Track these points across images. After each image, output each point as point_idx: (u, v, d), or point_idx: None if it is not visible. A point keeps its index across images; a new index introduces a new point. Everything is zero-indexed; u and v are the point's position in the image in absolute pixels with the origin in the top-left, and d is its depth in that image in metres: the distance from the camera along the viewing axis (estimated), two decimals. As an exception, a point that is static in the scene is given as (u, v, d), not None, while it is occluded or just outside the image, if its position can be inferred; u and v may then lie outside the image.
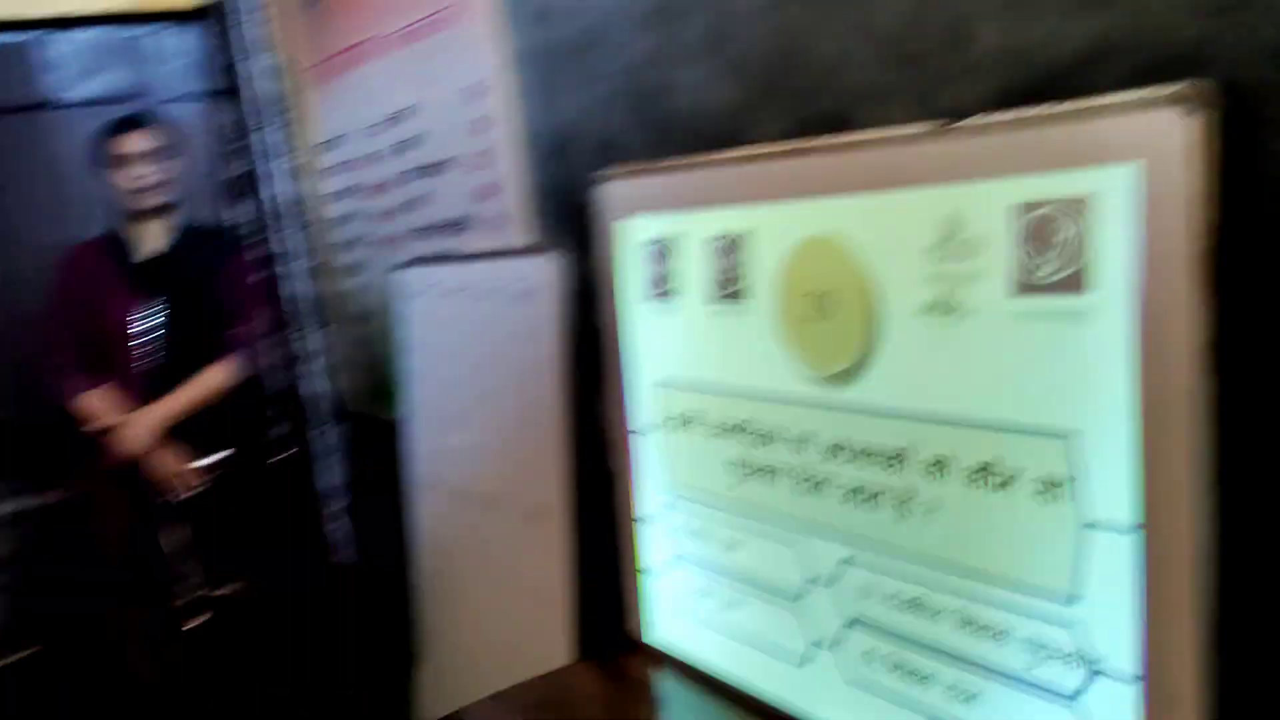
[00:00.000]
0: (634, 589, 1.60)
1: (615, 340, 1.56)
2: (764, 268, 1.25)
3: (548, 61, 1.67)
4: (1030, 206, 0.93)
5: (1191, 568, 0.85)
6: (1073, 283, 0.90)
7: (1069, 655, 0.95)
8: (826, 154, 1.15)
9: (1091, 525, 0.92)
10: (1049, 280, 0.92)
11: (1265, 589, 0.85)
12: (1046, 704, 0.98)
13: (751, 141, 1.29)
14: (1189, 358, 0.82)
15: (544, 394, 1.76)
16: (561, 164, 1.70)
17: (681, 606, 1.50)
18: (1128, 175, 0.86)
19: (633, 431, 1.55)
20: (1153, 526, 0.87)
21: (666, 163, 1.41)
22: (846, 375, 1.15)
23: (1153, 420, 0.86)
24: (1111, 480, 0.89)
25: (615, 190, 1.51)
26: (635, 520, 1.58)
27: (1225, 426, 0.82)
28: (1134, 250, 0.85)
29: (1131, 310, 0.86)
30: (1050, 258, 0.92)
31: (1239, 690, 0.85)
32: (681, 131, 1.42)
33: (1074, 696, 0.95)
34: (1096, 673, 0.93)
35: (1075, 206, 0.90)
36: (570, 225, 1.71)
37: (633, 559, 1.60)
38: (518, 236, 1.86)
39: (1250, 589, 0.85)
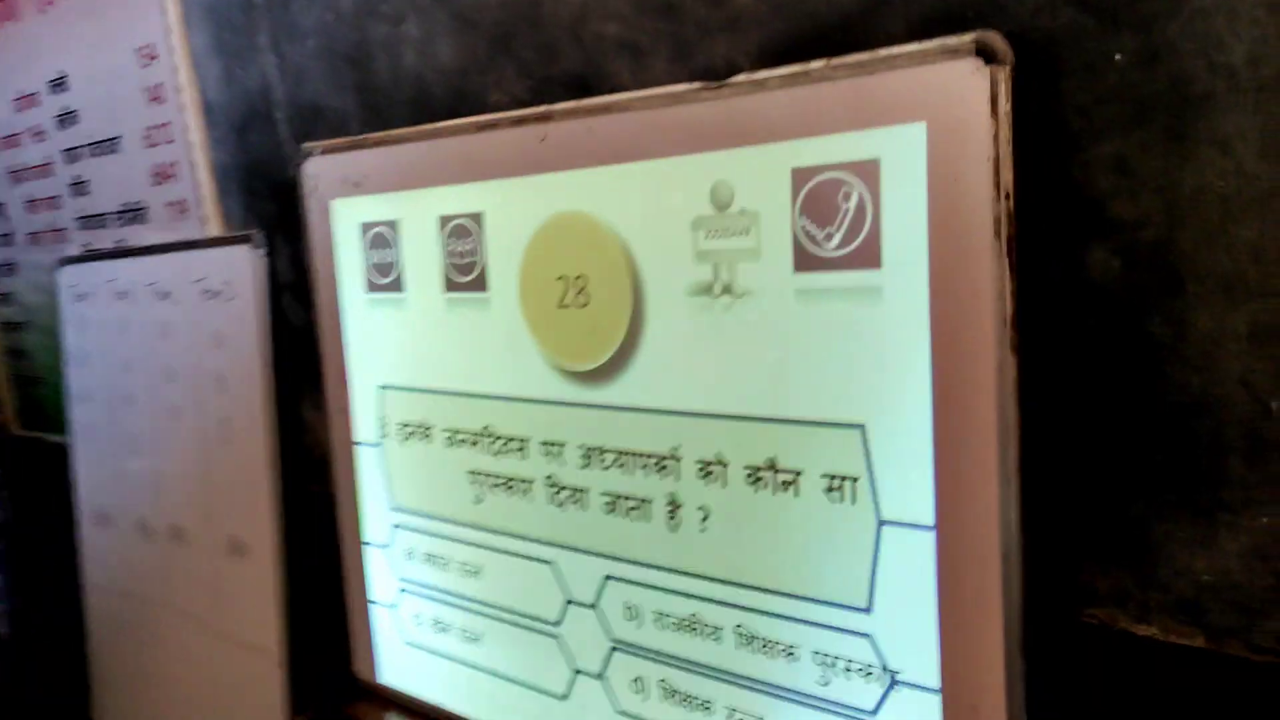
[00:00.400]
0: (362, 626, 1.40)
1: (331, 341, 1.36)
2: (506, 251, 1.10)
3: (237, 15, 1.43)
4: (809, 172, 0.84)
5: (993, 567, 0.78)
6: (861, 256, 0.81)
7: (866, 668, 0.86)
8: (574, 119, 1.01)
9: (887, 524, 0.83)
10: (835, 254, 0.83)
11: (1073, 587, 0.79)
12: (842, 723, 0.89)
13: (487, 106, 1.13)
14: (992, 335, 0.75)
15: (245, 407, 1.51)
16: (259, 137, 1.47)
17: (418, 642, 1.32)
18: (917, 135, 0.77)
19: (355, 445, 1.35)
20: (949, 523, 0.80)
21: (387, 133, 1.22)
22: (606, 369, 1.01)
23: (952, 406, 0.78)
24: (909, 474, 0.81)
25: (325, 167, 1.31)
26: (361, 547, 1.38)
27: (1030, 411, 0.75)
28: (928, 218, 0.77)
29: (928, 285, 0.78)
30: (835, 229, 0.82)
31: (1051, 698, 0.79)
32: (404, 96, 1.23)
33: (873, 712, 0.86)
34: (896, 685, 0.84)
35: (860, 171, 0.81)
36: (271, 209, 1.48)
37: (359, 592, 1.39)
38: (207, 224, 1.60)
39: (1059, 588, 0.79)
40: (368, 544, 1.37)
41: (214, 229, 1.59)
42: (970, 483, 0.77)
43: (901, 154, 0.78)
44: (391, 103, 1.25)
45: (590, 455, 1.05)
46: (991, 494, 0.76)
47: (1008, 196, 0.73)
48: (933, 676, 0.82)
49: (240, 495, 1.54)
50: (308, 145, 1.31)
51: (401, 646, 1.35)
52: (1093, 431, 0.76)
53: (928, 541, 0.80)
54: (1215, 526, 0.71)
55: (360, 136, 1.26)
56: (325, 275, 1.34)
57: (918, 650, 0.82)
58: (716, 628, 0.97)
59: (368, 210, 1.26)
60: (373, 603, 1.38)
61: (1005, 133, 0.72)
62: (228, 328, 1.53)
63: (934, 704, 0.82)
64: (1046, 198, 0.74)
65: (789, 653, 0.91)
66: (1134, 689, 0.77)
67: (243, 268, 1.50)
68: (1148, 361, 0.72)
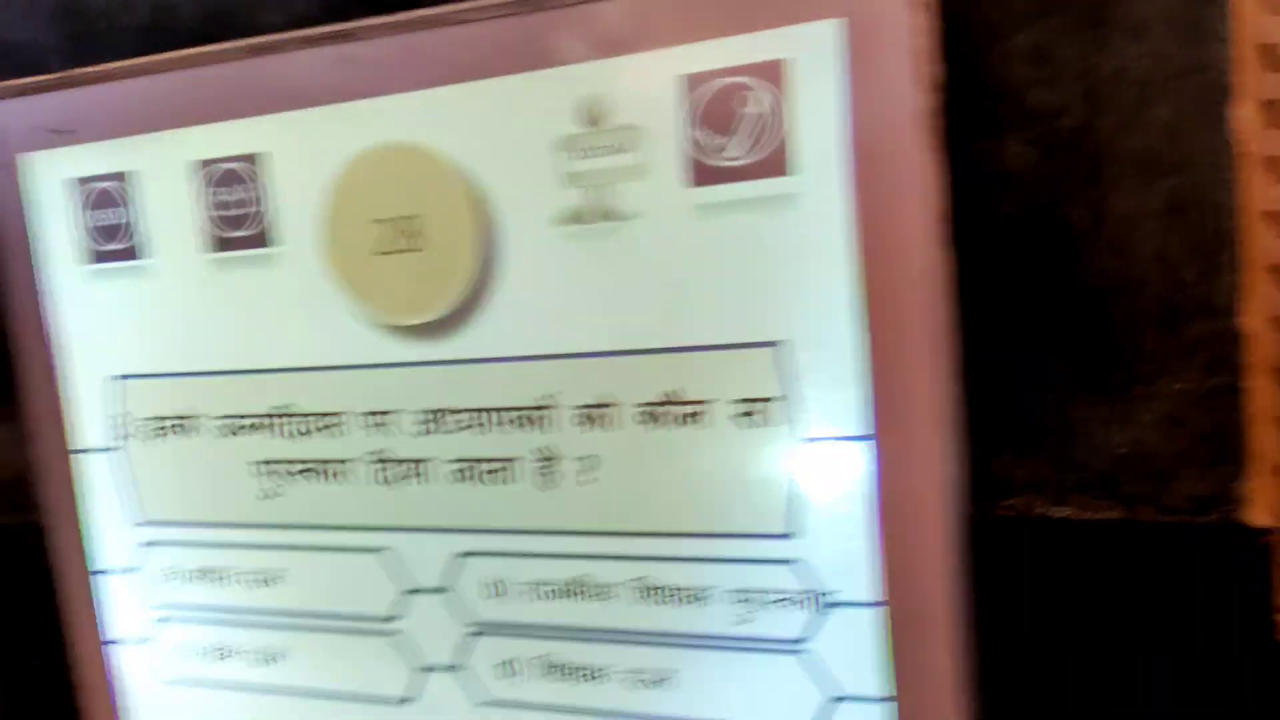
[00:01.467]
0: (95, 674, 1.15)
1: (31, 330, 1.10)
2: (301, 197, 0.94)
3: None
4: (703, 78, 0.78)
5: (935, 471, 0.77)
6: (771, 163, 0.78)
7: (795, 595, 0.83)
8: (388, 35, 0.89)
9: (816, 441, 0.80)
10: (739, 164, 0.78)
11: (989, 481, 0.80)
12: (767, 657, 0.84)
13: (254, 29, 0.96)
14: (923, 232, 0.74)
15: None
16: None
17: (186, 677, 1.10)
18: (831, 32, 0.75)
19: (79, 452, 1.10)
20: (890, 432, 0.78)
21: (110, 67, 1.00)
22: (452, 319, 0.90)
23: (885, 308, 0.76)
24: (839, 387, 0.78)
25: (13, 114, 1.06)
26: (89, 578, 1.13)
27: (967, 311, 0.75)
28: (848, 118, 0.75)
29: (851, 187, 0.75)
30: (739, 136, 0.78)
31: (996, 599, 0.79)
32: (132, 22, 1.02)
33: (800, 640, 0.83)
34: (831, 607, 0.82)
35: (766, 73, 0.77)
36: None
37: (89, 634, 1.14)
38: None
39: (976, 483, 0.80)
40: (101, 573, 1.12)
41: None
42: (912, 387, 0.76)
43: (814, 53, 0.75)
44: (113, 30, 1.03)
45: (433, 420, 0.92)
46: (936, 396, 0.76)
47: (934, 89, 0.72)
48: (873, 591, 0.80)
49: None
50: (-18, 88, 1.05)
51: (161, 688, 1.12)
52: (1011, 322, 0.78)
53: (864, 454, 0.78)
54: (1131, 400, 0.75)
55: (68, 73, 1.02)
56: (17, 249, 1.09)
57: (852, 568, 0.80)
58: (607, 586, 0.89)
59: (84, 163, 1.03)
60: (111, 643, 1.14)
61: (929, 24, 0.72)
62: None
63: (874, 619, 0.80)
64: (966, 91, 0.74)
65: (699, 597, 0.86)
66: (1054, 570, 0.81)
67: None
68: (1067, 248, 0.75)
